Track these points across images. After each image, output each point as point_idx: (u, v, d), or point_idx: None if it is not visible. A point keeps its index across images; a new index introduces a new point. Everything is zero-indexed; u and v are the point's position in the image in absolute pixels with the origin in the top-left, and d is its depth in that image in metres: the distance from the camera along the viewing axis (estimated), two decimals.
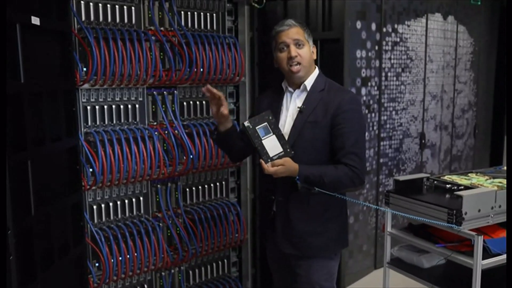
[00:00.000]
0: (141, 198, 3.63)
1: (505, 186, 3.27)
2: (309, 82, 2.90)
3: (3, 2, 2.02)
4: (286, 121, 2.91)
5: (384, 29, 4.74)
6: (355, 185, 2.89)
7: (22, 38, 2.18)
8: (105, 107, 3.38)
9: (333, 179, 2.76)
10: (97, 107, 3.33)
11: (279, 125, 2.84)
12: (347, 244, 3.10)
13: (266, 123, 2.72)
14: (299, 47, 2.82)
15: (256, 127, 2.69)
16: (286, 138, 2.80)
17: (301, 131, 2.82)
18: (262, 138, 2.69)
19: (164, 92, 3.66)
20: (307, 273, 2.96)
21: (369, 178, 4.82)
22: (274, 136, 2.71)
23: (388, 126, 4.97)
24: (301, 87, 2.90)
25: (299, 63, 2.82)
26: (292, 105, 2.92)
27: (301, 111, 2.85)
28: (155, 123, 3.63)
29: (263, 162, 2.67)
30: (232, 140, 3.06)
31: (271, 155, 2.68)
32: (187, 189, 3.89)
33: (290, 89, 2.94)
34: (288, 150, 2.72)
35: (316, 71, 2.95)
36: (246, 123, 2.69)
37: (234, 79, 3.93)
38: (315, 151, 2.83)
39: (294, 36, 2.81)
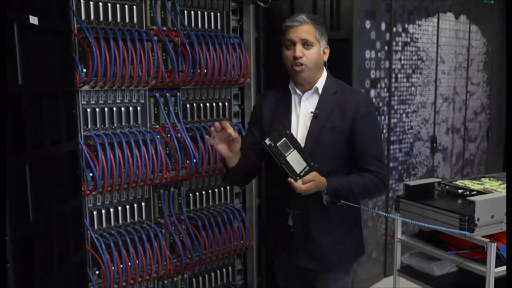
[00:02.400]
0: (143, 204, 3.64)
1: None
2: (320, 85, 2.83)
3: (3, 2, 2.03)
4: (299, 127, 2.83)
5: (394, 29, 4.74)
6: (380, 191, 2.89)
7: (20, 38, 2.18)
8: (106, 109, 3.38)
9: (361, 189, 2.74)
10: (97, 109, 3.34)
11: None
12: (364, 252, 3.08)
13: (284, 138, 2.63)
14: (307, 48, 2.73)
15: (277, 144, 2.61)
16: (302, 145, 2.71)
17: (318, 137, 2.75)
18: (286, 155, 2.62)
19: (167, 94, 3.66)
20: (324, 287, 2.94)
21: None
22: (295, 151, 2.63)
23: (398, 129, 4.96)
24: (312, 89, 2.83)
25: (303, 64, 2.74)
26: (302, 109, 2.84)
27: (315, 116, 2.77)
28: (157, 126, 3.64)
29: (292, 181, 2.57)
30: (246, 167, 2.85)
31: (298, 172, 2.61)
32: (191, 194, 3.89)
33: (298, 91, 2.86)
34: (312, 163, 2.64)
35: (325, 73, 2.89)
36: (268, 141, 2.60)
37: (239, 81, 3.93)
38: (332, 158, 2.78)
39: (302, 35, 2.72)
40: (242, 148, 2.81)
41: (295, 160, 2.62)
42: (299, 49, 2.73)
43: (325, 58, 2.87)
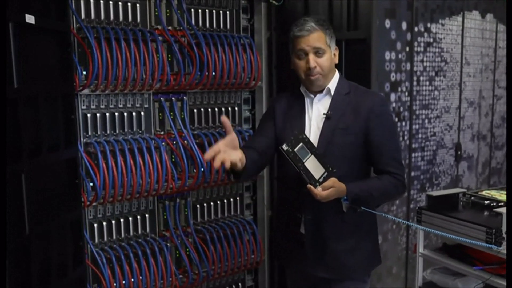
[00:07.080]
0: (147, 215, 3.63)
1: None
2: (332, 86, 2.88)
3: (3, 2, 2.03)
4: (311, 129, 2.88)
5: (416, 29, 4.72)
6: (399, 194, 2.94)
7: (16, 39, 2.18)
8: (107, 114, 3.38)
9: (381, 192, 2.80)
10: (98, 114, 3.34)
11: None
12: (380, 261, 3.09)
13: (301, 143, 2.66)
14: (319, 56, 2.80)
15: (295, 150, 2.64)
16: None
17: (331, 138, 2.80)
18: (304, 161, 2.64)
19: (172, 98, 3.66)
20: None
21: None
22: (312, 156, 2.66)
23: (420, 135, 4.93)
24: (324, 91, 2.88)
25: (318, 73, 2.80)
26: (314, 111, 2.90)
27: (328, 117, 2.82)
28: (162, 133, 3.63)
29: (312, 187, 2.59)
30: (252, 167, 2.82)
31: (317, 178, 2.63)
32: (198, 206, 3.89)
33: (310, 94, 2.92)
34: (330, 168, 2.67)
35: (337, 74, 2.94)
36: (285, 147, 2.63)
37: (250, 84, 3.92)
38: (347, 160, 2.81)
39: (314, 44, 2.78)
40: (249, 146, 2.92)
41: (313, 165, 2.65)
42: (312, 59, 2.79)
43: (336, 60, 2.93)
